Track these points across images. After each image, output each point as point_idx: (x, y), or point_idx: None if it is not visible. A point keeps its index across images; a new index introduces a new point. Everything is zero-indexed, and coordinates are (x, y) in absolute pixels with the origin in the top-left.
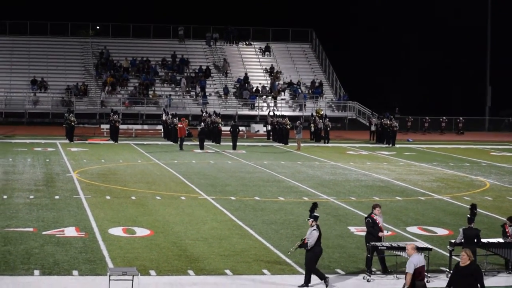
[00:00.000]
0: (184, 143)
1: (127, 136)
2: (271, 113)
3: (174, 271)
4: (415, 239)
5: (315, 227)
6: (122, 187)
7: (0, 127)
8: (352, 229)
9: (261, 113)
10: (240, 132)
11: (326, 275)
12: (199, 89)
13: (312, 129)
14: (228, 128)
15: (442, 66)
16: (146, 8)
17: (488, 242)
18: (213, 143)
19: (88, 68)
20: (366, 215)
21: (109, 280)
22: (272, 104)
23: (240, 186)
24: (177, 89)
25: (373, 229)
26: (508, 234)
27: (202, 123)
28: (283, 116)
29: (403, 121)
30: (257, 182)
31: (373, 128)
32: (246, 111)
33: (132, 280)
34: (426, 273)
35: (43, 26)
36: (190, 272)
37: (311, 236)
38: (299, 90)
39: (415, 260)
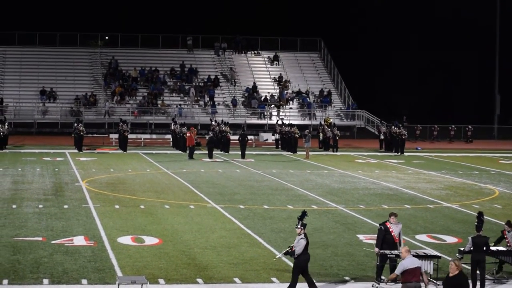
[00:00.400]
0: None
1: (136, 145)
2: (279, 122)
3: (183, 279)
4: (424, 247)
5: (302, 236)
6: (130, 196)
7: (9, 137)
8: (361, 237)
9: (270, 122)
10: (249, 141)
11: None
12: (208, 99)
13: (321, 137)
14: (236, 137)
15: (450, 75)
16: (155, 18)
17: (497, 250)
18: (222, 152)
19: (97, 78)
20: (379, 224)
21: None
22: (280, 113)
23: (249, 194)
24: (185, 98)
25: (385, 237)
26: (507, 241)
27: (210, 132)
28: (291, 125)
29: (411, 130)
30: (266, 191)
31: (382, 136)
32: (254, 120)
33: None
34: (435, 281)
35: (52, 37)
36: (199, 280)
37: (299, 245)
38: (308, 99)
39: (406, 263)
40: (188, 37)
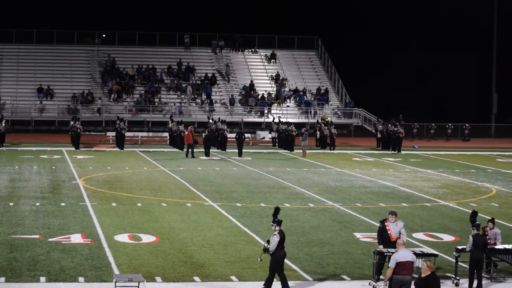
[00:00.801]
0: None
1: (133, 143)
2: (276, 120)
3: (179, 277)
4: (421, 245)
5: (276, 233)
6: (128, 194)
7: (6, 134)
8: (358, 235)
9: (267, 120)
10: (246, 139)
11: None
12: (205, 97)
13: (318, 136)
14: (233, 135)
15: (447, 73)
16: (152, 16)
17: (494, 248)
18: (219, 150)
19: (94, 76)
20: (377, 222)
21: (115, 286)
22: (277, 111)
23: (246, 192)
24: (182, 96)
25: (382, 235)
26: (488, 237)
27: (206, 130)
28: (288, 123)
29: (408, 128)
30: (263, 189)
31: (379, 134)
32: (251, 118)
33: (138, 286)
34: None
35: (49, 35)
36: (196, 278)
37: (272, 241)
38: (305, 97)
39: (398, 255)
40: (186, 35)
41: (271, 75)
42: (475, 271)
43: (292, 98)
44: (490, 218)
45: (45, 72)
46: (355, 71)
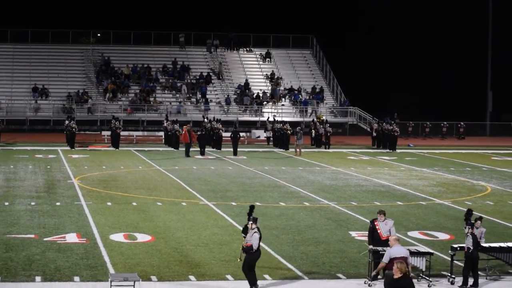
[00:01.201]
0: (183, 149)
1: (128, 142)
2: (271, 119)
3: (175, 276)
4: (416, 243)
5: (255, 230)
6: (123, 193)
7: (1, 134)
8: (353, 234)
9: (262, 119)
10: (241, 138)
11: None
12: (200, 96)
13: (313, 134)
14: (229, 134)
15: (442, 72)
16: (147, 15)
17: (490, 246)
18: (214, 149)
19: (89, 75)
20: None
21: (111, 286)
22: (272, 110)
23: (241, 191)
24: (177, 95)
25: (373, 235)
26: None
27: (203, 130)
28: (283, 122)
29: (404, 126)
30: (258, 188)
31: (374, 133)
32: (246, 117)
33: (134, 286)
34: (427, 278)
35: (44, 34)
36: (191, 277)
37: (254, 239)
38: (300, 96)
39: (392, 251)
40: (180, 34)
41: (266, 74)
42: (473, 269)
43: (287, 97)
44: (478, 216)
45: (40, 72)
46: (350, 70)
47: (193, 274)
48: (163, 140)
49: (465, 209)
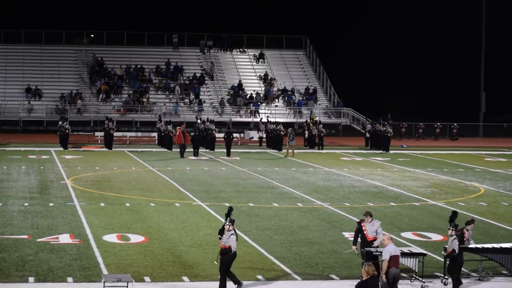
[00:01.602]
0: (177, 150)
1: (121, 143)
2: (263, 120)
3: (168, 277)
4: (409, 244)
5: (232, 231)
6: (116, 194)
7: None
8: (346, 234)
9: (255, 119)
10: (234, 139)
11: (241, 281)
12: (193, 96)
13: (306, 135)
14: (222, 134)
15: (435, 72)
16: (140, 16)
17: (483, 247)
18: (207, 150)
19: (83, 76)
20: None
21: (104, 286)
22: (266, 111)
23: (234, 192)
24: (171, 96)
25: (359, 236)
26: (465, 239)
27: (196, 130)
28: (277, 123)
29: (397, 127)
30: (251, 189)
31: (367, 134)
32: (240, 118)
33: (127, 286)
34: (420, 278)
35: (38, 35)
36: (185, 278)
37: (231, 241)
38: (293, 97)
39: (391, 249)
40: (174, 35)
41: (260, 75)
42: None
43: (280, 97)
44: (470, 219)
45: (33, 72)
46: (343, 70)
47: (186, 275)
48: (157, 141)
49: (459, 211)
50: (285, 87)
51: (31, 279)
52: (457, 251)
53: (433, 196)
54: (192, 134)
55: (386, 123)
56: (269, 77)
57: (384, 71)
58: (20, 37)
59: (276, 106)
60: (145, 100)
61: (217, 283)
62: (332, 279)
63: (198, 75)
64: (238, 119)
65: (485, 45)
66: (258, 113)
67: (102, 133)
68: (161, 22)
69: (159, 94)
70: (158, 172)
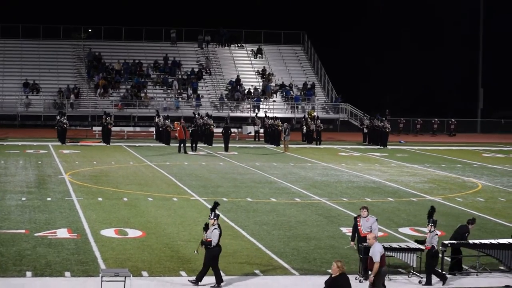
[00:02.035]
0: (174, 144)
1: (119, 138)
2: (260, 115)
3: (166, 272)
4: (407, 240)
5: (216, 226)
6: (114, 189)
7: None
8: (344, 230)
9: (253, 114)
10: (232, 134)
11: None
12: (191, 91)
13: (304, 130)
14: (220, 129)
15: (434, 68)
16: (138, 11)
17: (480, 243)
18: (205, 145)
19: (81, 71)
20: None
21: (101, 281)
22: (264, 106)
23: (232, 187)
24: (169, 91)
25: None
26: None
27: (193, 125)
28: (275, 118)
29: (395, 123)
30: (249, 184)
31: (365, 129)
32: (238, 113)
33: (124, 281)
34: (418, 274)
35: (35, 29)
36: (182, 273)
37: (214, 236)
38: (291, 92)
39: (380, 249)
40: (172, 30)
41: (258, 70)
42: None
43: (278, 93)
44: (472, 218)
45: (31, 67)
46: (342, 66)
47: (184, 269)
48: (154, 135)
49: (456, 206)
50: (283, 82)
51: (28, 273)
52: (436, 248)
53: (431, 191)
54: (190, 129)
55: (384, 118)
56: (267, 72)
57: (382, 67)
58: (18, 32)
59: (274, 101)
60: (143, 95)
61: (214, 278)
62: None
63: (196, 70)
64: (237, 114)
65: (483, 41)
66: (259, 108)
67: (100, 128)
68: (159, 17)
69: (157, 89)
70: (156, 167)
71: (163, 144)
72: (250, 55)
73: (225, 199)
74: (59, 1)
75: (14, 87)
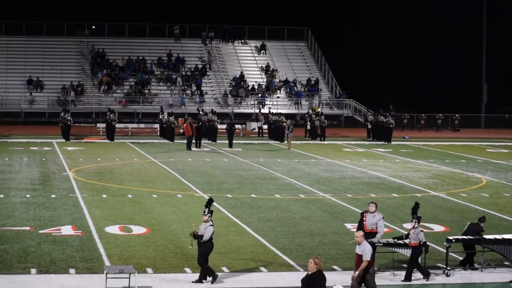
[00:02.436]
0: (179, 141)
1: (123, 134)
2: (263, 111)
3: (171, 268)
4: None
5: (210, 222)
6: (118, 186)
7: None
8: (349, 226)
9: (257, 111)
10: (236, 130)
11: (216, 273)
12: (195, 88)
13: (308, 126)
14: (224, 126)
15: (437, 63)
16: (142, 7)
17: (485, 238)
18: (209, 141)
19: (84, 68)
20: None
21: (106, 278)
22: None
23: (236, 183)
24: (172, 87)
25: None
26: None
27: (199, 122)
28: (279, 114)
29: (399, 119)
30: (253, 180)
31: (369, 125)
32: (242, 109)
33: (129, 278)
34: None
35: (39, 26)
36: (187, 269)
37: (207, 231)
38: (295, 88)
39: (369, 248)
40: (175, 26)
41: (261, 66)
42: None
43: (282, 89)
44: (482, 216)
45: (35, 64)
46: (345, 62)
47: (189, 266)
48: (158, 132)
49: (460, 202)
50: (287, 78)
51: (33, 270)
52: (422, 243)
53: (435, 187)
54: (194, 125)
55: (388, 114)
56: (271, 69)
57: (386, 62)
58: (21, 29)
59: (278, 97)
60: (146, 91)
61: (219, 274)
62: (335, 270)
63: (200, 66)
64: (240, 110)
65: (486, 36)
66: (264, 104)
67: (104, 125)
68: (163, 14)
69: (160, 86)
70: (160, 163)
71: (167, 141)
72: (254, 51)
73: (229, 195)
74: None
75: (18, 84)
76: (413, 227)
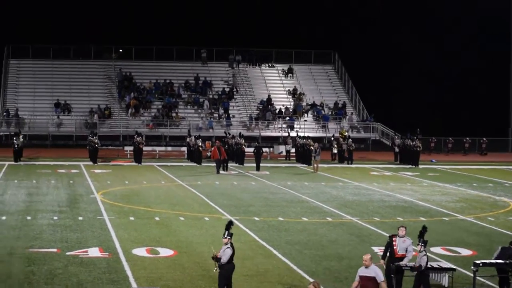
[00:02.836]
0: (206, 164)
1: (151, 157)
2: (292, 134)
3: None
4: (438, 259)
5: (229, 245)
6: (145, 208)
7: (24, 149)
8: (376, 249)
9: (285, 134)
10: (264, 153)
11: None
12: (222, 111)
13: (335, 150)
14: (251, 149)
15: (465, 87)
16: (169, 31)
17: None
18: (237, 164)
19: (112, 91)
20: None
21: None
22: (295, 125)
23: (264, 206)
24: (200, 111)
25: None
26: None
27: (226, 145)
28: (306, 137)
29: (426, 142)
30: (281, 203)
31: (396, 149)
32: (269, 133)
33: None
34: None
35: (66, 50)
36: None
37: (225, 254)
38: (322, 111)
39: (379, 268)
40: (202, 49)
41: (288, 90)
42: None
43: (309, 112)
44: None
45: (62, 87)
46: (373, 85)
47: None
48: (186, 155)
49: (488, 226)
50: (314, 101)
51: None
52: (423, 267)
53: (462, 211)
54: (223, 149)
55: (415, 137)
56: (298, 92)
57: (412, 86)
58: (49, 53)
59: (305, 120)
60: (174, 114)
61: None
62: None
63: (227, 90)
64: (267, 133)
65: None
66: (293, 127)
67: (131, 148)
68: (190, 37)
69: (188, 109)
70: (188, 186)
71: (195, 164)
72: (281, 75)
73: (256, 218)
74: (89, 22)
75: (45, 107)
76: (419, 251)
